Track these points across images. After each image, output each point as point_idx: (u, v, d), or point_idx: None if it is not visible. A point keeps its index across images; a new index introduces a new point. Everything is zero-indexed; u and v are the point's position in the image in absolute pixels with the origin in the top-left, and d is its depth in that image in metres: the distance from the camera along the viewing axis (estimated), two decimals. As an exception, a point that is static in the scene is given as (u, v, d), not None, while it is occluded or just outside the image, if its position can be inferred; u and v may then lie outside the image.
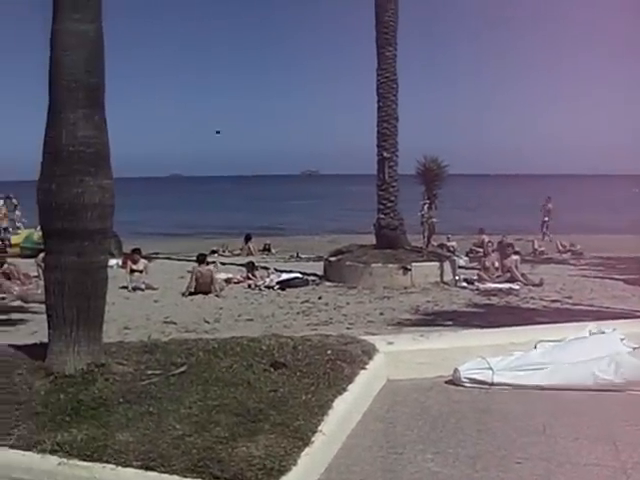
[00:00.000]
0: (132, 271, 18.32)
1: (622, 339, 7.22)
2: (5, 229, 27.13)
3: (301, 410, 5.31)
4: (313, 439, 4.88)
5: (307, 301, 15.58)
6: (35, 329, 10.42)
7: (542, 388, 6.69)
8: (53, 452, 4.74)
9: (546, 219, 35.17)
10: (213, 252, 26.75)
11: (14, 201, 28.94)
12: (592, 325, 7.81)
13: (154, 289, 17.73)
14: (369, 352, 6.97)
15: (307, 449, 4.73)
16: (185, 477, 4.35)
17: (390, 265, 18.09)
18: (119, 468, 4.53)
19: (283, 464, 4.42)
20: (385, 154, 19.58)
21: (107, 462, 4.58)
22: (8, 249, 24.52)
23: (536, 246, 28.25)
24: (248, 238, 30.64)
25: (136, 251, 19.43)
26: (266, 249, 30.64)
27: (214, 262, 18.98)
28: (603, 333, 7.45)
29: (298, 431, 4.91)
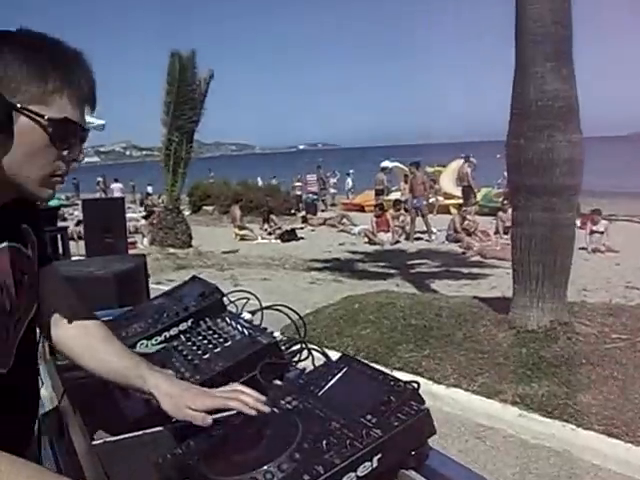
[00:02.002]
0: (592, 232, 17.76)
1: None
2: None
3: None
4: None
5: None
6: (494, 284, 10.64)
7: None
8: (514, 403, 4.80)
9: None
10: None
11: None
12: None
13: (615, 252, 16.95)
14: None
15: None
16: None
17: None
18: (579, 429, 4.41)
19: None
20: None
21: (567, 421, 4.49)
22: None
23: None
24: None
25: (596, 211, 18.76)
26: None
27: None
28: None
29: None
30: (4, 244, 1.32)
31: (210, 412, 1.42)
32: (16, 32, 1.22)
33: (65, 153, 1.25)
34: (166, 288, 2.58)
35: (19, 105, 1.17)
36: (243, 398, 1.43)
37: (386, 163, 28.75)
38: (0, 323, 1.29)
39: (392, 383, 1.33)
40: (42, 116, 1.18)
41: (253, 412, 1.40)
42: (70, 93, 1.22)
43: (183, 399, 1.44)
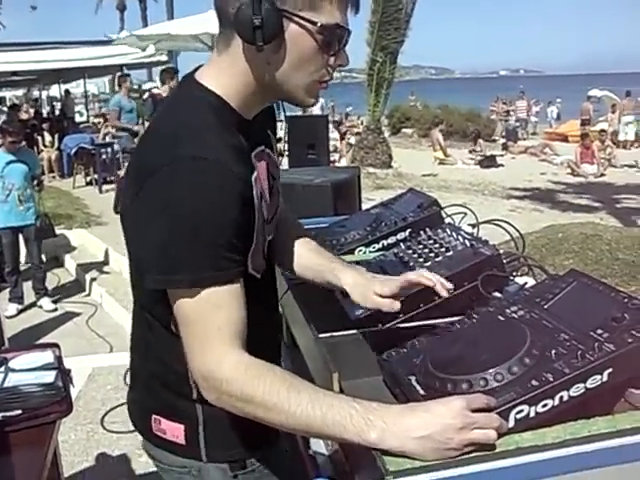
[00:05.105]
0: None
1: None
2: None
3: None
4: None
5: None
6: None
7: None
8: None
9: None
10: None
11: None
12: None
13: None
14: None
15: None
16: None
17: None
18: None
19: None
20: None
21: None
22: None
23: None
24: None
25: None
26: None
27: None
28: None
29: None
30: (261, 147, 1.35)
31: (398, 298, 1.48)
32: None
33: (332, 60, 1.24)
34: (367, 206, 2.62)
35: (290, 12, 1.16)
36: (425, 274, 1.47)
37: (595, 92, 27.18)
38: (260, 231, 1.29)
39: (625, 300, 1.30)
40: (314, 23, 1.17)
41: (431, 283, 1.44)
42: None
43: (370, 287, 1.49)
